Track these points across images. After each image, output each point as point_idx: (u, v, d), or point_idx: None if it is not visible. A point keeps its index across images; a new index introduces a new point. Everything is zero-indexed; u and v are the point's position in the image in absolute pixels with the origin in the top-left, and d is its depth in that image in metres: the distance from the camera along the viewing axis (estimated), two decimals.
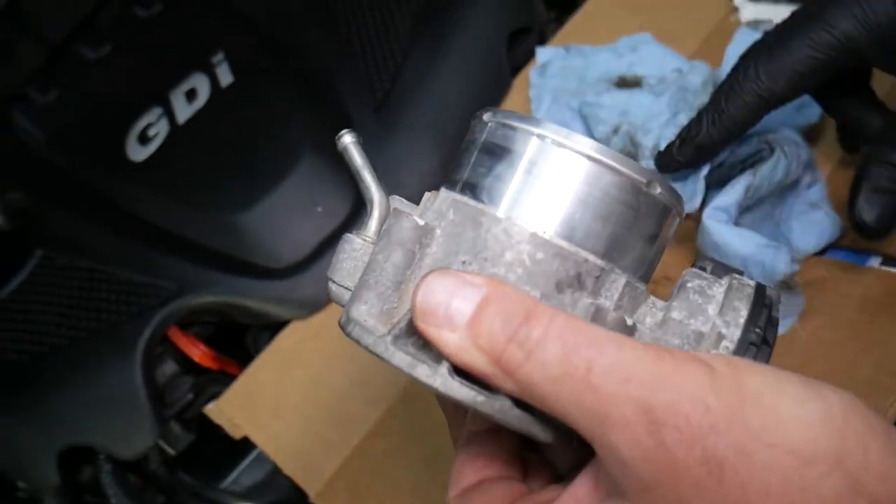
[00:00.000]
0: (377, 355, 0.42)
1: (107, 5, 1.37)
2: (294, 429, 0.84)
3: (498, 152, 0.44)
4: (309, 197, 0.91)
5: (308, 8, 1.03)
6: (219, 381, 0.92)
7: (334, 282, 0.48)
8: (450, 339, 0.36)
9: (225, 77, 1.00)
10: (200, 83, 1.01)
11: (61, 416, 0.87)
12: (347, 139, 0.50)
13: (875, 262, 0.66)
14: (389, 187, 0.92)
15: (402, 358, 0.40)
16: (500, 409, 0.38)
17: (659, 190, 0.43)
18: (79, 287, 0.92)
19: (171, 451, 0.89)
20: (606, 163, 0.42)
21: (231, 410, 0.85)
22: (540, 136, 0.43)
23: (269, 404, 0.85)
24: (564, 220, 0.42)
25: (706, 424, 0.32)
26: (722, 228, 0.65)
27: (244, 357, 0.94)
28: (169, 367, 0.91)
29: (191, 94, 1.00)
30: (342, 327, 0.46)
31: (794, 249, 0.69)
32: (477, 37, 0.98)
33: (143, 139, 0.99)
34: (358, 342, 0.44)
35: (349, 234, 0.48)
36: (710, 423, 0.32)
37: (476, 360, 0.36)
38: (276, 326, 0.92)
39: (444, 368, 0.39)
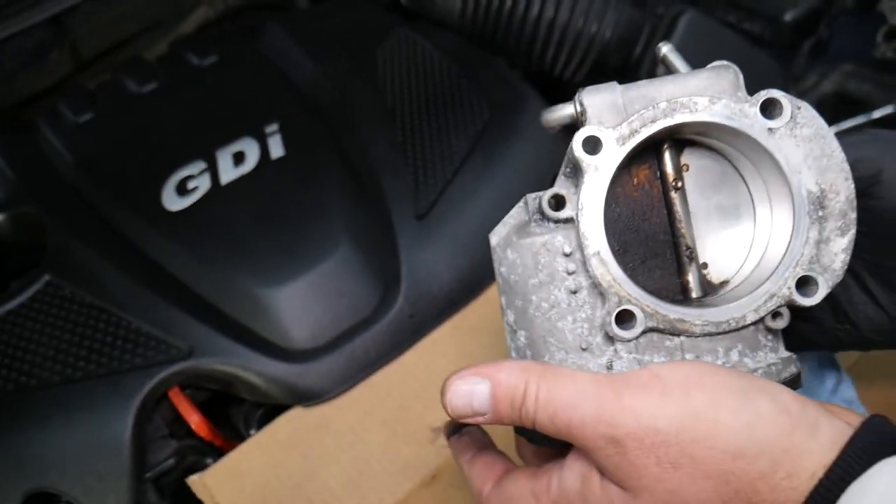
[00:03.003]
0: None
1: (148, 40, 1.40)
2: None
3: None
4: (337, 287, 0.92)
5: (370, 107, 1.06)
6: (202, 451, 0.90)
7: None
8: (481, 420, 0.54)
9: (276, 149, 1.02)
10: (250, 149, 1.02)
11: (35, 455, 0.83)
12: (665, 48, 0.58)
13: None
14: (417, 296, 0.94)
15: None
16: None
17: None
18: (83, 324, 0.90)
19: None
20: None
21: (215, 486, 0.83)
22: None
23: (256, 489, 0.83)
24: None
25: (658, 442, 0.47)
26: None
27: (229, 430, 0.92)
28: (155, 427, 0.89)
29: (238, 157, 1.01)
30: None
31: None
32: (524, 167, 1.04)
33: (182, 190, 0.99)
34: None
35: None
36: (661, 441, 0.47)
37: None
38: (270, 407, 0.91)
39: None
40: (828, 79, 1.42)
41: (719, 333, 0.54)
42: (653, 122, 0.54)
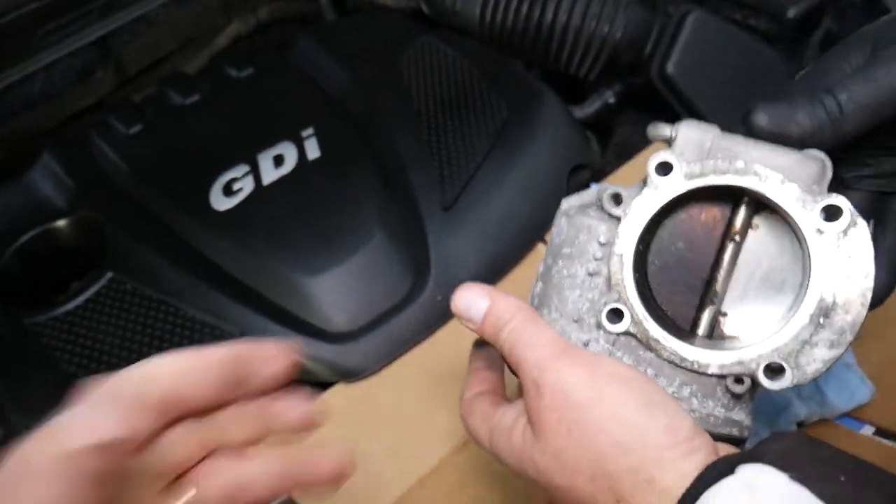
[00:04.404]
0: None
1: (185, 56, 1.49)
2: None
3: None
4: (372, 274, 1.00)
5: (397, 110, 1.15)
6: None
7: None
8: (471, 327, 0.65)
9: (312, 151, 1.11)
10: (289, 152, 1.11)
11: None
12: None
13: (869, 431, 0.78)
14: (446, 281, 1.02)
15: None
16: None
17: None
18: (144, 314, 0.99)
19: None
20: None
21: None
22: None
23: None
24: None
25: (565, 405, 0.56)
26: None
27: None
28: None
29: (278, 160, 1.10)
30: None
31: (828, 405, 0.80)
32: (542, 161, 1.11)
33: (228, 191, 1.08)
34: None
35: None
36: (567, 405, 0.55)
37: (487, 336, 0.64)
38: (313, 385, 0.99)
39: None
40: None
41: (680, 367, 0.60)
42: (722, 174, 0.58)
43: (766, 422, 0.76)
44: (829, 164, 0.58)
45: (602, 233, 0.62)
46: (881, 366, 0.82)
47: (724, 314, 0.63)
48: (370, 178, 1.08)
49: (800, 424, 0.77)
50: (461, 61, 1.23)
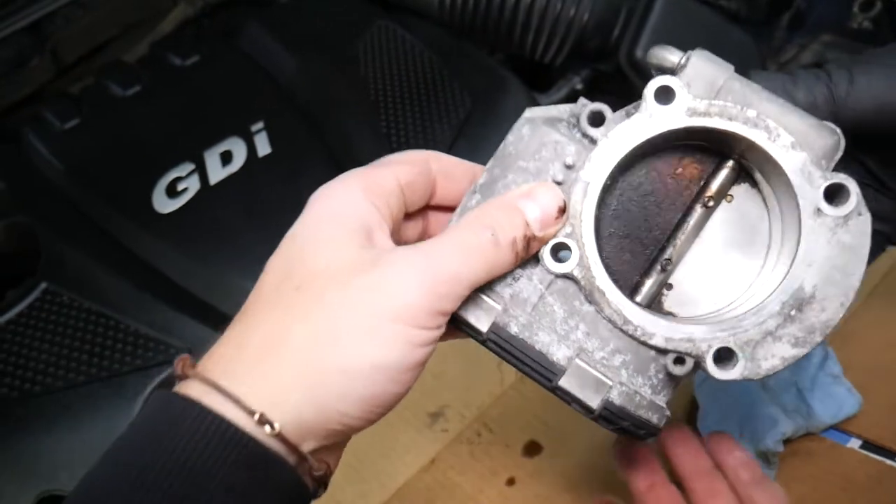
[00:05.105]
0: None
1: (127, 42, 1.40)
2: None
3: None
4: None
5: (354, 101, 1.08)
6: None
7: None
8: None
9: (263, 147, 1.03)
10: (237, 148, 1.03)
11: (44, 459, 0.85)
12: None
13: (856, 444, 0.74)
14: None
15: None
16: None
17: None
18: (82, 329, 0.92)
19: None
20: None
21: None
22: None
23: None
24: None
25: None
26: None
27: None
28: None
29: (226, 157, 1.03)
30: None
31: (815, 418, 0.76)
32: None
33: (172, 192, 1.00)
34: None
35: None
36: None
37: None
38: None
39: None
40: (807, 50, 1.44)
41: (621, 330, 0.52)
42: (730, 119, 0.51)
43: (751, 441, 0.72)
44: (843, 142, 0.51)
45: (570, 153, 0.52)
46: (867, 372, 0.79)
47: (670, 286, 0.56)
48: (325, 176, 1.00)
49: (786, 441, 0.73)
50: (421, 47, 1.16)
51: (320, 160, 1.03)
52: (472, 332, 0.53)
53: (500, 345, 0.52)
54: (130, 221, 0.99)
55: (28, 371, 0.90)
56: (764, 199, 0.55)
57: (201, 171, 1.02)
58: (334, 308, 0.46)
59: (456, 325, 0.52)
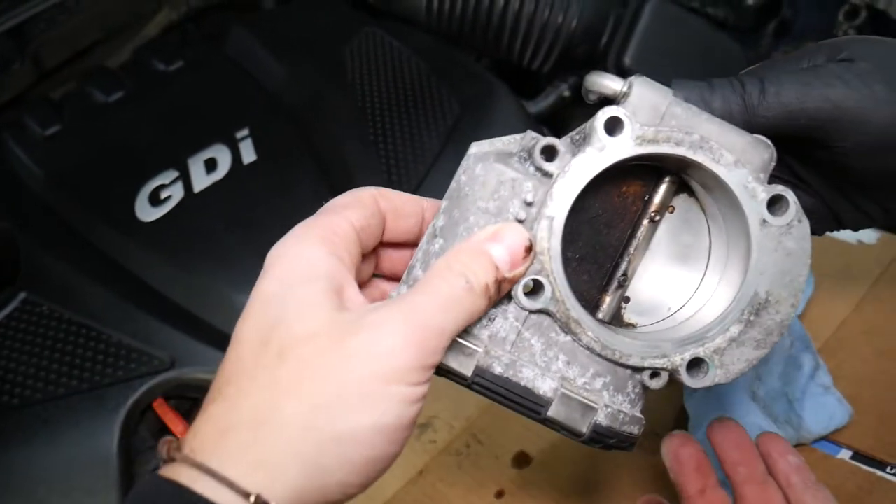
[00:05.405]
0: None
1: (110, 47, 1.38)
2: None
3: None
4: None
5: (341, 108, 1.07)
6: None
7: None
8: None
9: (248, 154, 1.02)
10: (222, 155, 1.02)
11: (23, 473, 0.83)
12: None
13: (846, 455, 0.74)
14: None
15: None
16: None
17: None
18: (62, 340, 0.90)
19: None
20: None
21: None
22: None
23: None
24: None
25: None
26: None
27: None
28: (141, 439, 0.89)
29: (210, 164, 1.01)
30: None
31: (806, 429, 0.76)
32: None
33: (155, 200, 0.99)
34: None
35: None
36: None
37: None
38: None
39: None
40: None
41: (599, 356, 0.53)
42: (677, 144, 0.53)
43: None
44: (775, 154, 0.55)
45: (528, 190, 0.52)
46: (858, 382, 0.78)
47: (627, 299, 0.59)
48: (311, 184, 1.00)
49: None
50: (409, 54, 1.15)
51: (306, 168, 1.01)
52: (457, 378, 0.53)
53: (487, 386, 0.53)
54: (112, 230, 0.98)
55: (6, 383, 0.88)
56: (701, 206, 0.59)
57: (185, 178, 1.00)
58: (324, 376, 0.45)
59: (439, 374, 0.52)
